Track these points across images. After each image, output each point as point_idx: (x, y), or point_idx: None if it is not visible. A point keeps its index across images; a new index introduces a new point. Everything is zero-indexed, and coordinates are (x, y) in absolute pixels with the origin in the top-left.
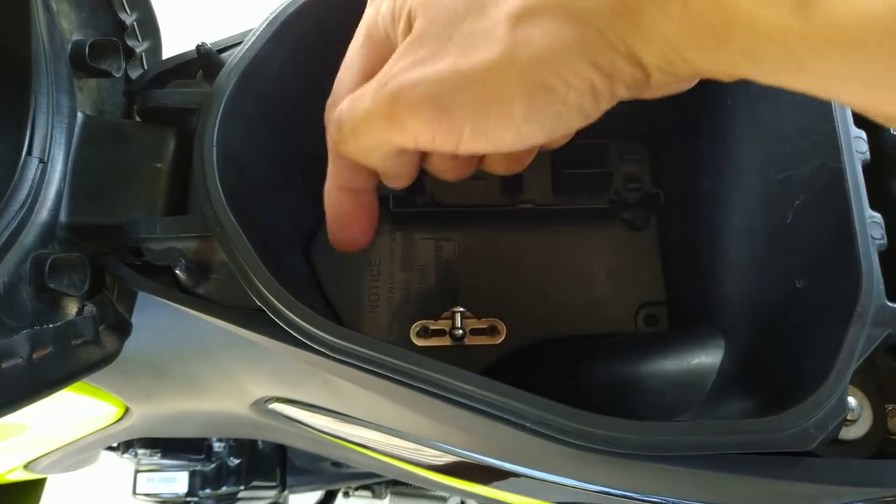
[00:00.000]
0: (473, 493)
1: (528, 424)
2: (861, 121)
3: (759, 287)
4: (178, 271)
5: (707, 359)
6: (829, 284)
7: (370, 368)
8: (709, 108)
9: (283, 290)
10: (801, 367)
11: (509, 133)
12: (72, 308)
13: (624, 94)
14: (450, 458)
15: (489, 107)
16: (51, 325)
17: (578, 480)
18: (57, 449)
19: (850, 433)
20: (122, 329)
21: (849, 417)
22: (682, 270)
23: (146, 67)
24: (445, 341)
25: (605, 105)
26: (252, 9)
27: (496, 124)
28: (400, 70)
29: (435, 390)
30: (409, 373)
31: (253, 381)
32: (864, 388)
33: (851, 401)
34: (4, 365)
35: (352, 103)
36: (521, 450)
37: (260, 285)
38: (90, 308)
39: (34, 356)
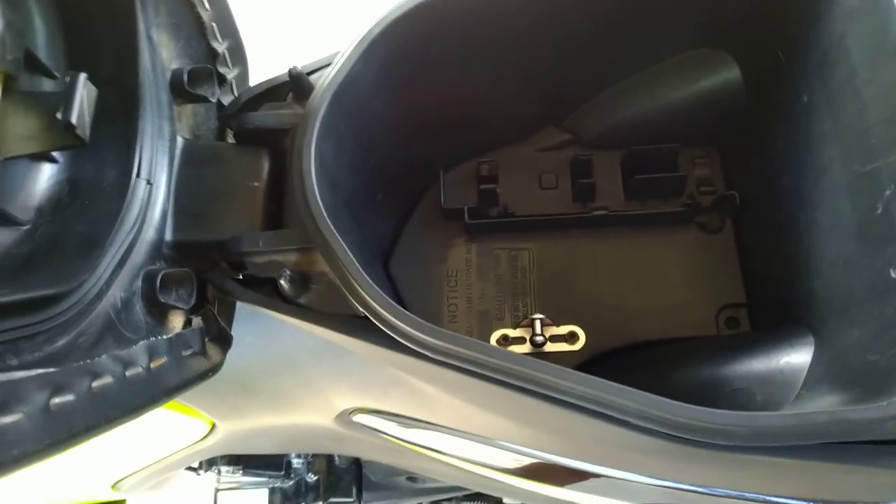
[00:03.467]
0: (550, 497)
1: (631, 420)
2: None
3: (849, 282)
4: (281, 282)
5: (796, 357)
6: None
7: (472, 370)
8: (782, 107)
9: (385, 295)
10: None
11: None
12: (179, 321)
13: None
14: (529, 461)
15: None
16: (164, 337)
17: (670, 479)
18: (146, 467)
19: None
20: (225, 341)
21: None
22: (763, 271)
23: (236, 93)
24: (526, 348)
25: None
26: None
27: None
28: None
29: (538, 389)
30: (511, 372)
31: (338, 393)
32: None
33: None
34: (129, 373)
35: None
36: (612, 450)
37: (363, 292)
38: (196, 321)
39: (152, 365)
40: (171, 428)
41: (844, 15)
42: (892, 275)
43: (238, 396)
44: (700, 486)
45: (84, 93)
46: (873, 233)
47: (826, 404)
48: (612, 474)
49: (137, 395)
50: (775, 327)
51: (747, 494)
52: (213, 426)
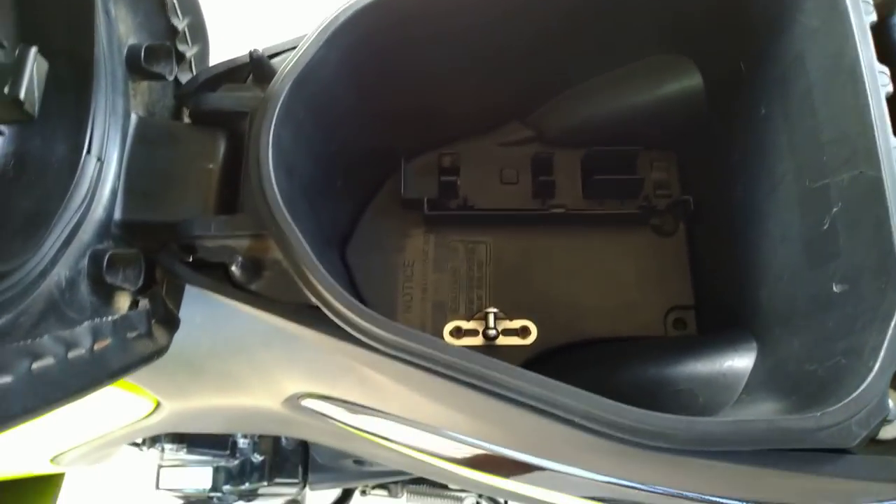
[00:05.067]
0: (494, 486)
1: (576, 420)
2: None
3: (794, 293)
4: (233, 268)
5: (739, 362)
6: (869, 289)
7: (423, 364)
8: (741, 117)
9: (339, 287)
10: (838, 369)
11: None
12: (125, 302)
13: None
14: (475, 451)
15: None
16: (109, 318)
17: (612, 476)
18: (87, 442)
19: (888, 433)
20: (172, 323)
21: (887, 417)
22: (712, 276)
23: (195, 72)
24: (478, 341)
25: None
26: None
27: None
28: None
29: (487, 386)
30: (462, 369)
31: (288, 378)
32: None
33: (889, 402)
34: (71, 355)
35: None
36: (557, 446)
37: (316, 282)
38: (143, 303)
39: (95, 347)
40: (114, 404)
41: (805, 33)
42: (835, 289)
43: (185, 377)
44: (640, 484)
45: (34, 66)
46: (819, 248)
47: (764, 410)
48: (556, 468)
49: (79, 378)
50: (721, 331)
51: (686, 493)
52: (158, 404)
